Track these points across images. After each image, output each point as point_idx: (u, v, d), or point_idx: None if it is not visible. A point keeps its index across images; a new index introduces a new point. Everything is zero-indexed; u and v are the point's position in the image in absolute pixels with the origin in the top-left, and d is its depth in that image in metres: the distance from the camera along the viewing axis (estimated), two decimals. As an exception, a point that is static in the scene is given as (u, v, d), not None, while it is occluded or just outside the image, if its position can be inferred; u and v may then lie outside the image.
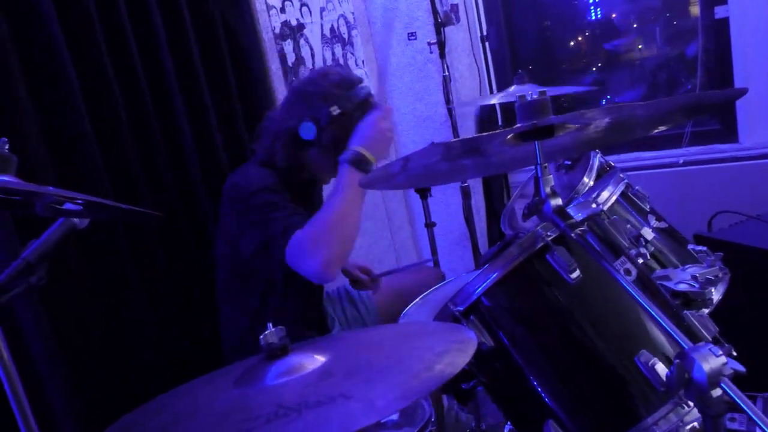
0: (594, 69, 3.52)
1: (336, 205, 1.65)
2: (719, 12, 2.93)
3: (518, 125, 0.89)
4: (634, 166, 3.07)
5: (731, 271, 1.39)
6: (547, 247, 1.13)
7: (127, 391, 1.72)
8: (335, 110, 1.70)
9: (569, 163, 1.99)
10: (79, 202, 0.98)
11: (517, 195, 2.42)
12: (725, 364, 0.75)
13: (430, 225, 2.38)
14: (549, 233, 1.13)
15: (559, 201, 0.96)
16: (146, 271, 1.82)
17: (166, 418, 0.93)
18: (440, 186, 2.73)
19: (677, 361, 0.75)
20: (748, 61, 2.87)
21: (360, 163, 1.66)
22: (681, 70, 3.32)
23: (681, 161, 3.03)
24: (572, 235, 0.94)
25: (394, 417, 1.44)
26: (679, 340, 0.80)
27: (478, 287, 1.19)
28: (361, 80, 1.80)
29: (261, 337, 1.00)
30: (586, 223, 0.95)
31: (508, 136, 0.96)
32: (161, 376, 1.83)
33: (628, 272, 1.15)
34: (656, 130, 1.15)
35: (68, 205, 1.10)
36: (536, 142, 0.93)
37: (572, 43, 3.58)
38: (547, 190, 0.96)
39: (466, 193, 2.59)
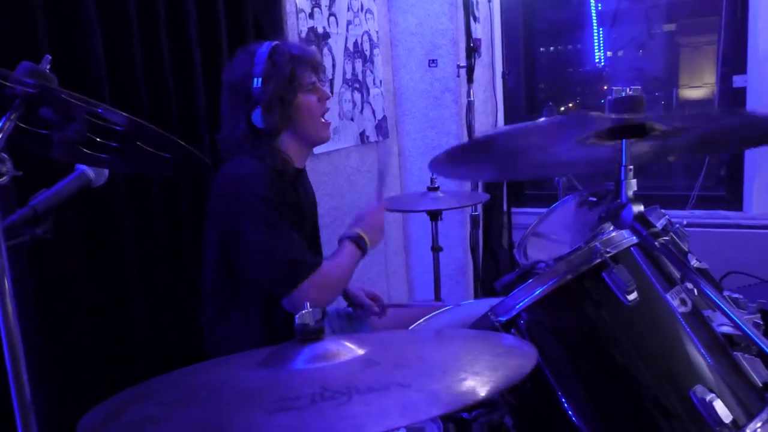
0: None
1: (341, 262, 1.71)
2: (737, 81, 2.96)
3: (613, 116, 0.82)
4: (637, 221, 3.04)
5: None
6: (604, 264, 1.06)
7: (106, 368, 1.62)
8: (258, 82, 1.67)
9: (594, 199, 1.94)
10: (121, 119, 0.84)
11: (529, 233, 2.35)
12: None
13: (436, 249, 2.30)
14: (608, 249, 1.06)
15: (640, 207, 0.89)
16: (143, 247, 1.74)
17: (183, 391, 0.82)
18: (446, 212, 2.65)
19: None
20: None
21: (359, 244, 1.74)
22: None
23: (685, 222, 3.00)
24: (656, 244, 0.87)
25: (401, 435, 1.33)
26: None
27: (522, 300, 1.11)
28: (259, 44, 1.75)
29: (297, 316, 0.90)
30: (669, 234, 0.88)
31: (595, 133, 0.89)
32: (146, 357, 1.74)
33: (683, 302, 1.08)
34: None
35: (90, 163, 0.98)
36: (624, 140, 0.87)
37: (580, 97, 3.61)
38: (629, 194, 0.89)
39: (475, 222, 2.52)
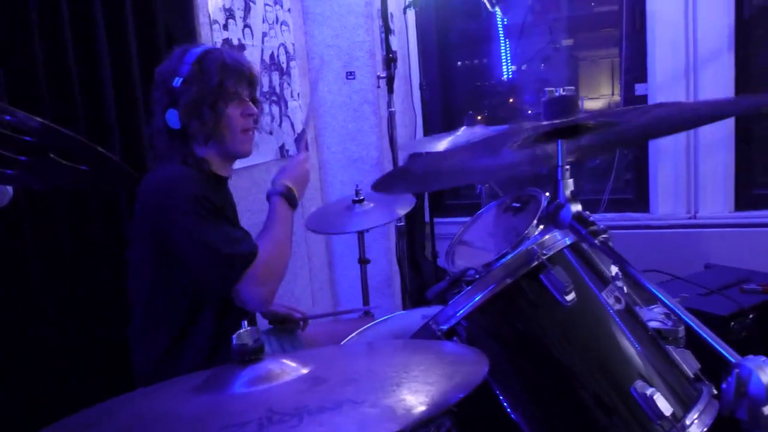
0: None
1: (277, 235, 1.66)
2: (639, 89, 3.12)
3: (548, 122, 0.82)
4: (554, 225, 3.13)
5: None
6: (542, 266, 1.06)
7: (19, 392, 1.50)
8: (178, 81, 1.63)
9: (518, 205, 1.97)
10: (35, 126, 0.75)
11: (455, 241, 2.36)
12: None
13: (364, 261, 2.27)
14: (545, 251, 1.07)
15: (578, 206, 0.90)
16: (51, 265, 1.64)
17: (119, 423, 0.75)
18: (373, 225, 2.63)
19: (736, 371, 0.69)
20: (660, 140, 3.05)
21: (289, 197, 1.70)
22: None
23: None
24: (595, 242, 0.88)
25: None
26: (726, 354, 0.74)
27: (463, 307, 1.10)
28: (197, 45, 1.72)
29: (234, 336, 0.85)
30: (608, 231, 0.89)
31: (527, 136, 0.89)
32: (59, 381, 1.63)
33: (618, 300, 1.11)
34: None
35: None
36: (559, 141, 0.87)
37: (488, 110, 3.69)
38: (567, 194, 0.89)
39: (401, 233, 2.51)
